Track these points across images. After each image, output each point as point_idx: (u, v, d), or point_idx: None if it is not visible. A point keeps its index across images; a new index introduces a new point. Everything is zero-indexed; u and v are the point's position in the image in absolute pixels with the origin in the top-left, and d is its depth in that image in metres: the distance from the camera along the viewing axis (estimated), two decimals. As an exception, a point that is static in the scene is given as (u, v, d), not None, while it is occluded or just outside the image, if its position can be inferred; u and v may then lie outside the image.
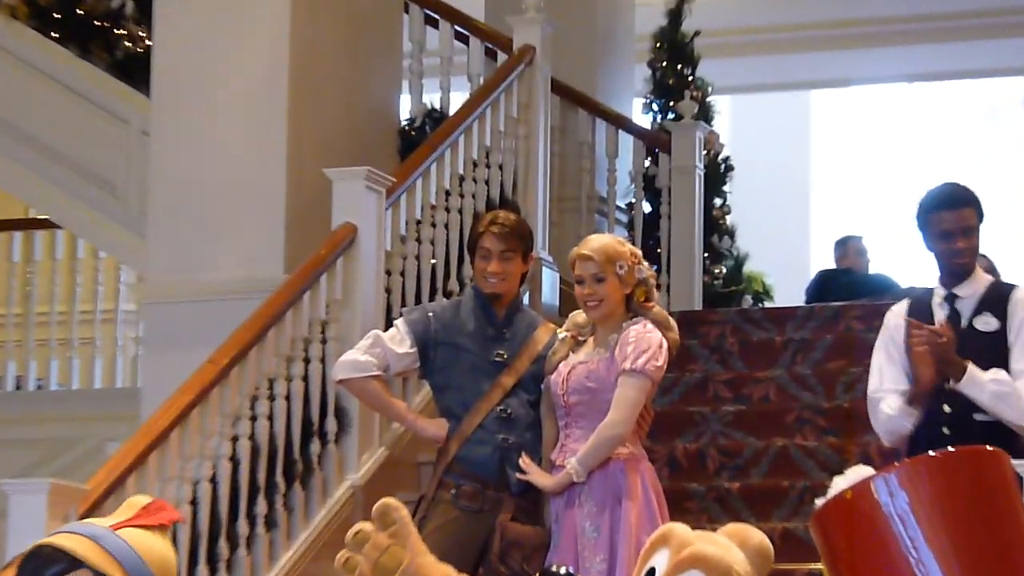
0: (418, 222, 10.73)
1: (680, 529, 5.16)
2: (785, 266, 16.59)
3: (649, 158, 13.70)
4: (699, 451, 10.47)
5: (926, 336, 6.81)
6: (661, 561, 4.99)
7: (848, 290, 14.56)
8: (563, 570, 6.05)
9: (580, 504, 7.80)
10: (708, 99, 14.33)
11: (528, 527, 8.00)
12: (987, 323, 6.98)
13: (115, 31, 11.83)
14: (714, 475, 10.28)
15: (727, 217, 14.24)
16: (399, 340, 8.33)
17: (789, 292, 15.66)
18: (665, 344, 7.87)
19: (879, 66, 18.74)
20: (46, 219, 13.70)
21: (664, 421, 10.40)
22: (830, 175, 20.28)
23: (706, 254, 13.71)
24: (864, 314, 11.64)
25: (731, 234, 14.31)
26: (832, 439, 10.45)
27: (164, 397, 9.21)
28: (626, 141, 13.57)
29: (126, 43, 11.73)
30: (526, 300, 10.25)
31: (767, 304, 14.53)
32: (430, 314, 8.48)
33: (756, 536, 5.07)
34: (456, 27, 12.64)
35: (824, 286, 15.21)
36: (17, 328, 14.19)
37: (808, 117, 20.11)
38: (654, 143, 13.78)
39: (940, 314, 7.07)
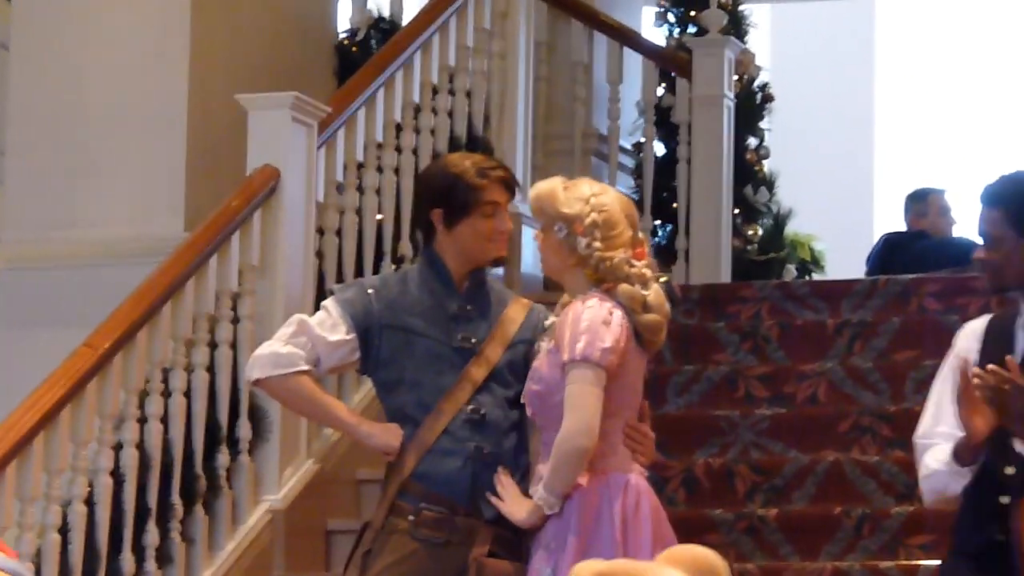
0: (360, 166, 10.76)
1: (620, 566, 5.43)
2: (841, 228, 16.66)
3: (663, 85, 13.72)
4: (726, 468, 10.49)
5: (989, 378, 6.79)
6: None
7: (924, 258, 14.61)
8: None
9: (539, 540, 7.81)
10: (741, 7, 14.35)
11: (509, 564, 7.86)
12: None
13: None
14: (745, 499, 10.31)
15: (764, 163, 14.24)
16: (331, 325, 8.01)
17: (846, 261, 15.73)
18: (614, 318, 7.68)
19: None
20: None
21: (680, 429, 10.46)
22: (901, 108, 20.26)
23: (737, 210, 13.70)
24: (944, 290, 11.68)
25: (770, 185, 14.31)
26: (899, 453, 10.41)
27: (24, 392, 9.22)
28: (633, 63, 13.60)
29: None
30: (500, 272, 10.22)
31: (816, 276, 14.56)
32: (370, 291, 8.15)
33: (707, 556, 4.58)
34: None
35: (892, 253, 15.27)
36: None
37: (872, 29, 20.17)
38: (670, 65, 13.81)
39: (1022, 338, 7.03)
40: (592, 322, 7.64)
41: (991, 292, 7.31)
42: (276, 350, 8.05)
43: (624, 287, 7.79)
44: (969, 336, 7.14)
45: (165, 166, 10.58)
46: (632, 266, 7.79)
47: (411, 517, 7.82)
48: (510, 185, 8.20)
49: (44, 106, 10.83)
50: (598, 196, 7.94)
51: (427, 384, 8.00)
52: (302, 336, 8.00)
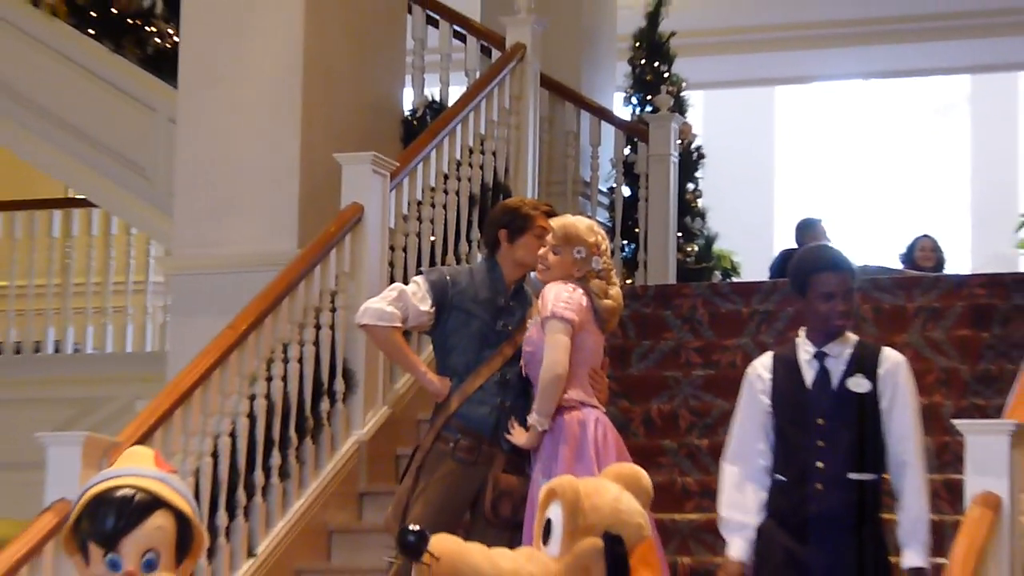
0: (419, 203, 10.73)
1: (565, 483, 5.36)
2: (751, 245, 16.58)
3: (629, 147, 13.67)
4: (672, 411, 10.45)
5: None
6: (556, 513, 5.23)
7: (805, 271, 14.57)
8: (413, 528, 6.07)
9: (538, 458, 7.85)
10: (682, 94, 14.35)
11: (516, 478, 7.97)
12: (859, 384, 6.68)
13: (146, 28, 11.85)
14: (685, 433, 10.27)
15: (699, 200, 14.27)
16: (420, 297, 8.19)
17: (754, 269, 15.67)
18: (581, 299, 7.81)
19: (837, 64, 18.75)
20: (83, 199, 13.72)
21: (640, 384, 10.42)
22: (792, 163, 20.31)
23: (680, 234, 13.69)
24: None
25: (702, 216, 14.34)
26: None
27: (188, 360, 9.24)
28: (608, 131, 13.55)
29: (156, 39, 11.75)
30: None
31: (734, 279, 14.52)
32: (448, 278, 8.31)
33: (629, 469, 5.49)
34: (454, 26, 12.65)
35: (787, 264, 15.20)
36: (56, 297, 14.21)
37: (772, 111, 20.13)
38: (633, 133, 13.75)
39: (809, 371, 6.80)
40: (560, 293, 7.78)
41: (842, 335, 6.94)
42: (383, 307, 8.23)
43: (595, 281, 7.92)
44: (759, 369, 7.01)
45: (284, 202, 10.52)
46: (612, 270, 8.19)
47: (451, 444, 8.07)
48: (552, 215, 8.26)
49: (200, 161, 10.77)
50: (596, 228, 8.11)
51: (473, 353, 8.23)
52: (401, 302, 8.21)
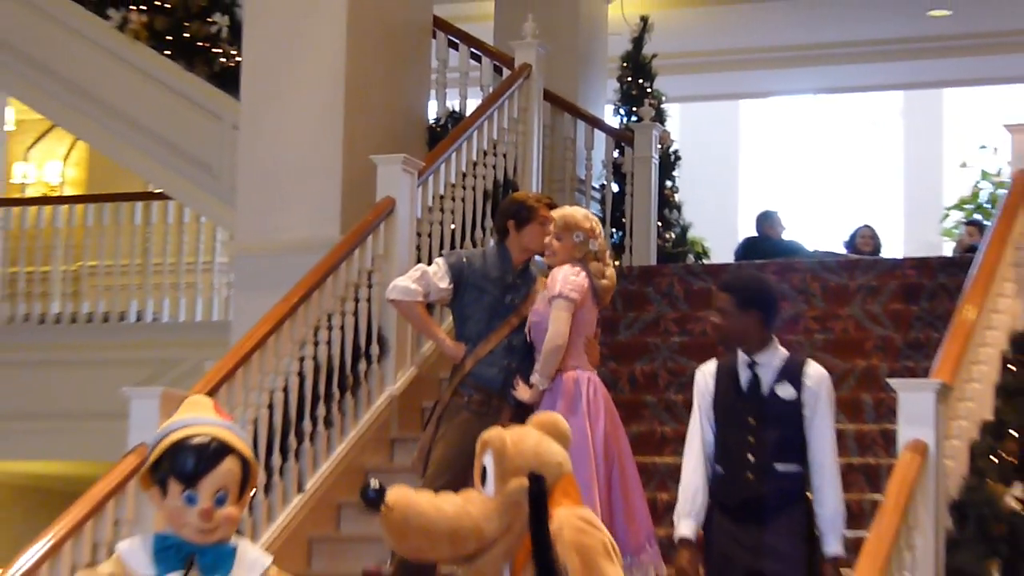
0: (441, 196, 10.69)
1: (494, 434, 5.52)
2: (718, 233, 16.52)
3: (617, 150, 13.58)
4: (653, 372, 10.40)
5: None
6: (488, 460, 5.40)
7: (766, 253, 14.52)
8: (374, 483, 6.13)
9: (539, 411, 7.69)
10: (662, 106, 14.23)
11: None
12: (786, 391, 6.64)
13: (213, 50, 11.81)
14: (664, 390, 10.21)
15: (675, 195, 14.16)
16: (440, 276, 8.27)
17: (722, 252, 15.63)
18: (584, 281, 7.85)
19: (792, 82, 18.66)
20: (161, 192, 13.70)
21: (626, 349, 10.38)
22: (753, 165, 20.29)
23: (659, 223, 13.62)
24: (777, 270, 11.50)
25: (678, 208, 14.25)
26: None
27: (248, 328, 9.24)
28: (600, 137, 13.48)
29: (222, 59, 11.71)
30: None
31: (705, 261, 14.47)
32: (464, 260, 8.41)
33: (549, 417, 5.63)
34: (471, 49, 12.61)
35: (748, 249, 15.18)
36: (138, 275, 14.21)
37: (737, 120, 20.10)
38: (621, 139, 13.67)
39: (744, 376, 6.75)
40: (568, 276, 7.78)
41: (720, 345, 7.05)
42: (408, 285, 8.33)
43: (594, 263, 7.92)
44: (705, 375, 6.94)
45: (328, 196, 10.50)
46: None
47: (466, 398, 8.15)
48: (552, 207, 8.28)
49: (259, 162, 10.75)
50: (591, 216, 8.20)
51: (484, 323, 8.26)
52: (423, 280, 8.28)
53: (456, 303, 8.38)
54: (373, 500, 5.41)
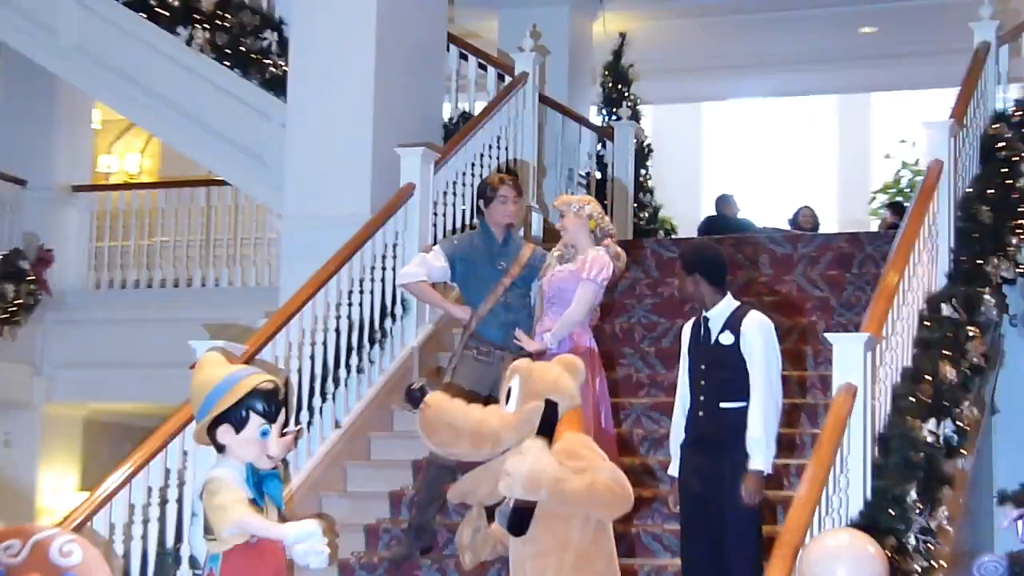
0: (454, 182, 10.67)
1: (523, 363, 5.92)
2: (684, 213, 16.49)
3: (600, 144, 13.55)
4: (630, 328, 10.36)
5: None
6: (515, 382, 5.65)
7: (724, 229, 14.48)
8: (417, 384, 6.68)
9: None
10: (637, 107, 14.24)
11: None
12: (727, 338, 6.68)
13: (264, 61, 11.78)
14: (639, 343, 10.17)
15: (648, 182, 14.15)
16: (436, 257, 8.49)
17: (686, 229, 15.60)
18: (611, 267, 7.85)
19: (746, 87, 18.64)
20: (222, 179, 13.66)
21: (608, 309, 10.31)
22: (713, 156, 20.22)
23: (635, 204, 13.62)
24: (733, 244, 11.45)
25: (651, 192, 14.23)
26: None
27: (293, 291, 9.20)
28: (586, 133, 13.43)
29: (271, 68, 11.68)
30: (521, 232, 10.29)
31: (673, 236, 14.45)
32: (455, 242, 8.70)
33: (569, 358, 5.93)
34: (479, 60, 12.56)
35: (709, 226, 15.13)
36: (201, 247, 14.23)
37: (700, 119, 20.03)
38: (603, 135, 13.63)
39: (701, 328, 6.82)
40: (603, 266, 7.78)
41: (684, 301, 7.32)
42: (410, 270, 8.62)
43: (613, 247, 7.99)
44: (685, 330, 7.00)
45: (360, 181, 10.51)
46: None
47: (473, 350, 8.27)
48: (516, 187, 8.54)
49: (303, 153, 10.76)
50: (578, 195, 8.60)
51: (482, 289, 8.40)
52: (423, 264, 8.46)
53: (456, 277, 8.58)
54: (416, 398, 5.90)
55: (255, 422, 5.64)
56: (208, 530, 5.65)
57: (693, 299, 6.94)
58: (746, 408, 6.61)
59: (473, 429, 5.57)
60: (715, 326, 6.73)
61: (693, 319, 6.97)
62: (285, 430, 5.87)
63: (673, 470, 6.88)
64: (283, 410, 5.86)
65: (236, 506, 5.53)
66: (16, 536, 2.62)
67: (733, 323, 6.70)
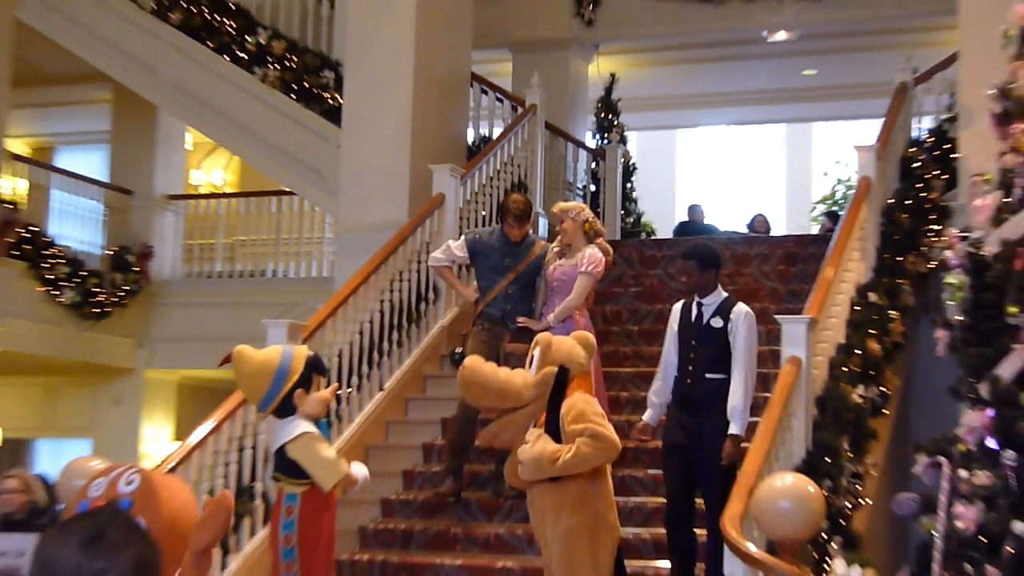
0: (476, 193, 10.65)
1: (545, 336, 5.98)
2: (662, 219, 16.44)
3: (594, 163, 13.53)
4: (618, 311, 10.35)
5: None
6: (537, 352, 5.77)
7: (693, 232, 14.47)
8: (458, 351, 6.83)
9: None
10: (624, 133, 14.19)
11: (519, 344, 7.74)
12: (717, 322, 6.72)
13: (323, 94, 11.77)
14: (625, 323, 10.16)
15: (633, 193, 14.10)
16: (459, 247, 8.52)
17: (664, 232, 15.55)
18: (603, 261, 7.93)
19: (711, 117, 18.58)
20: (289, 191, 13.68)
21: (600, 296, 10.28)
22: (685, 173, 20.14)
23: (622, 211, 13.59)
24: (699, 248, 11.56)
25: (635, 202, 14.18)
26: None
27: (345, 281, 9.22)
28: (582, 154, 13.40)
29: (329, 100, 11.67)
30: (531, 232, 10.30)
31: (653, 237, 14.43)
32: (476, 235, 8.57)
33: (583, 334, 6.00)
34: (496, 95, 12.53)
35: (681, 229, 15.15)
36: (273, 245, 14.23)
37: (675, 143, 19.96)
38: (596, 155, 13.61)
39: (694, 312, 6.83)
40: (598, 261, 7.83)
41: (688, 293, 6.99)
42: (436, 255, 8.68)
43: (604, 244, 8.09)
44: (675, 310, 6.98)
45: (399, 192, 10.45)
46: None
47: (480, 327, 8.29)
48: (520, 216, 8.37)
49: (354, 169, 10.71)
50: (573, 202, 8.87)
51: (491, 278, 8.38)
52: (447, 251, 8.51)
53: (473, 264, 8.60)
54: (456, 361, 6.33)
55: (319, 381, 5.86)
56: (288, 472, 5.77)
57: (701, 290, 6.86)
58: (726, 379, 6.63)
59: (500, 387, 5.64)
60: (708, 311, 6.75)
61: (683, 302, 6.98)
62: (339, 391, 6.21)
63: (647, 417, 6.94)
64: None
65: (341, 460, 5.86)
66: (102, 475, 2.61)
67: (724, 310, 6.73)
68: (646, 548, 7.26)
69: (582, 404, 5.60)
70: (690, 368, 6.72)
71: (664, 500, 6.97)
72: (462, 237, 8.71)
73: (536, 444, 5.49)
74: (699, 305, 6.82)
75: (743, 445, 6.54)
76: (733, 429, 6.50)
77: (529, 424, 5.69)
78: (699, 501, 6.79)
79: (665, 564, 6.95)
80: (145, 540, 1.89)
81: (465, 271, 9.32)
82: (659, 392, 6.90)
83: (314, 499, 5.80)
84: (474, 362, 5.73)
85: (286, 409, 5.77)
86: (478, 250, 8.45)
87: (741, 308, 6.79)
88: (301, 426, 5.77)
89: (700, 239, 10.36)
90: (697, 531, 6.73)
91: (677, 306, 7.01)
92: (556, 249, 8.20)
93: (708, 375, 6.68)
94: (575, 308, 7.88)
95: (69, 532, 1.89)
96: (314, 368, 5.86)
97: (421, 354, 9.53)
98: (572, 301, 7.87)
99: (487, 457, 8.04)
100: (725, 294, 6.90)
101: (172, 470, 7.12)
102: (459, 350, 7.65)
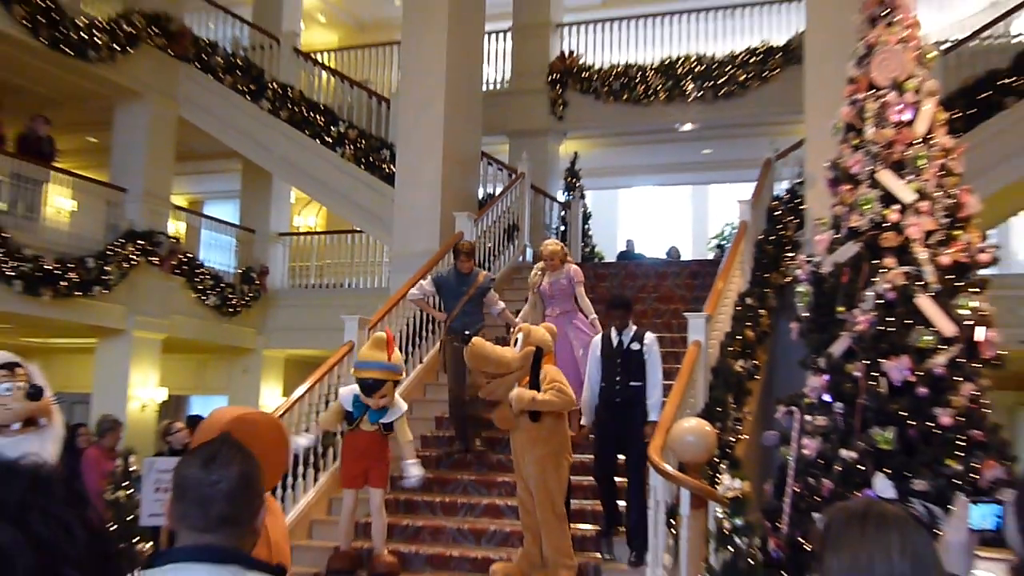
0: (484, 232, 10.60)
1: (525, 325, 5.93)
2: (608, 249, 16.35)
3: (563, 211, 13.41)
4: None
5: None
6: (520, 336, 5.72)
7: (630, 259, 14.44)
8: (468, 333, 6.64)
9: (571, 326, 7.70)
10: (583, 191, 14.09)
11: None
12: (635, 346, 6.39)
13: (382, 165, 11.78)
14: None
15: (589, 232, 13.91)
16: (428, 284, 8.02)
17: (610, 257, 15.48)
18: (580, 270, 7.91)
19: (641, 180, 18.56)
20: (360, 229, 13.64)
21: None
22: (624, 218, 19.98)
23: (582, 244, 13.37)
24: (634, 267, 11.49)
25: (590, 237, 14.00)
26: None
27: (396, 290, 9.13)
28: (555, 206, 13.34)
29: (386, 169, 11.67)
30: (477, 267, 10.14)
31: (603, 261, 14.38)
32: (438, 275, 8.19)
33: (549, 326, 6.00)
34: (498, 166, 12.49)
35: (622, 256, 15.07)
36: (347, 265, 14.19)
37: (618, 199, 19.81)
38: (565, 206, 13.47)
39: (615, 340, 6.41)
40: (578, 271, 7.73)
41: (619, 329, 6.59)
42: (414, 291, 8.04)
43: (573, 262, 8.03)
44: (596, 342, 6.56)
45: (433, 230, 10.38)
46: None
47: (448, 338, 7.83)
48: (467, 255, 7.92)
49: (403, 215, 10.67)
50: (555, 241, 8.22)
51: (451, 303, 7.88)
52: (421, 289, 7.94)
53: (440, 295, 8.03)
54: (467, 339, 6.17)
55: (365, 399, 6.28)
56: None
57: (625, 325, 6.47)
58: (643, 385, 6.40)
59: (496, 358, 5.66)
60: (627, 339, 6.46)
61: (601, 335, 6.58)
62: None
63: (585, 420, 6.53)
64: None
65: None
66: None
67: (639, 337, 6.48)
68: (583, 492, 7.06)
69: (553, 373, 5.80)
70: (618, 379, 6.36)
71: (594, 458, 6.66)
72: (429, 277, 8.21)
73: (519, 392, 5.66)
74: (620, 336, 6.45)
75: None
76: (652, 417, 6.27)
77: (514, 384, 5.72)
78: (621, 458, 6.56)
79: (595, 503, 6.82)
80: (249, 459, 1.86)
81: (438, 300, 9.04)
82: (588, 401, 6.47)
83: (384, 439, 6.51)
84: (479, 341, 5.77)
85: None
86: (441, 284, 7.98)
87: (651, 335, 6.50)
88: (344, 388, 6.32)
89: (624, 267, 10.29)
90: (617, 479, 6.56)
91: (597, 339, 6.58)
92: (540, 268, 7.99)
93: (632, 383, 6.40)
94: (590, 305, 7.75)
95: (195, 455, 1.87)
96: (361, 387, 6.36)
97: (438, 348, 9.36)
98: (587, 304, 7.75)
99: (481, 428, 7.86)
100: (635, 327, 6.57)
101: (281, 415, 7.12)
102: (468, 333, 7.37)
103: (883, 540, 1.50)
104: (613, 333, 6.46)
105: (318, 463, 7.52)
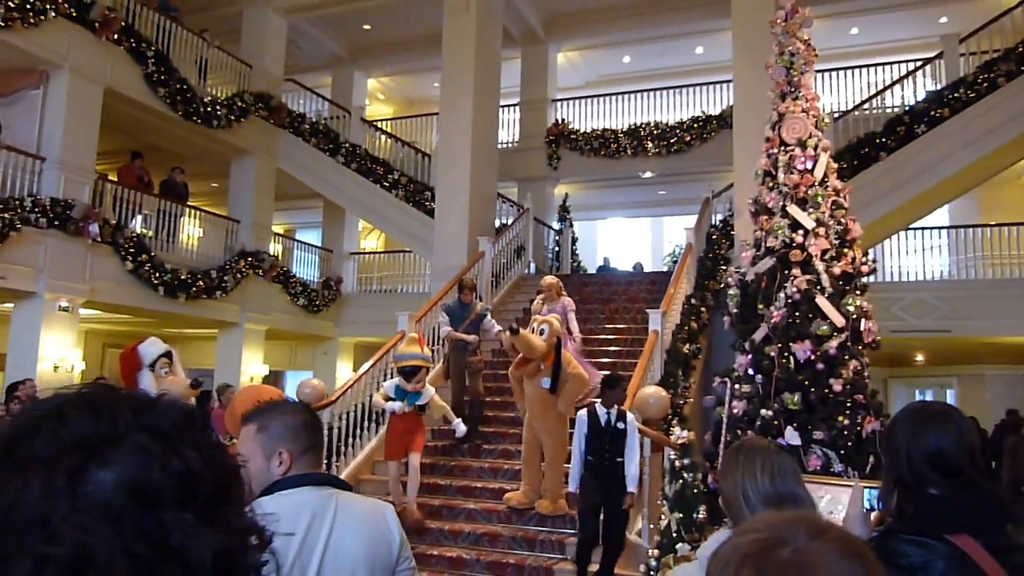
0: (499, 252, 10.52)
1: (549, 318, 5.73)
2: (590, 264, 16.23)
3: (558, 236, 13.31)
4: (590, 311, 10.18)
5: None
6: (545, 327, 5.55)
7: (607, 271, 14.30)
8: (514, 326, 5.91)
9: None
10: (573, 222, 13.98)
11: (473, 358, 7.07)
12: (620, 425, 5.21)
13: (426, 203, 11.76)
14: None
15: (576, 252, 13.75)
16: (442, 313, 7.46)
17: (591, 270, 15.35)
18: (572, 303, 7.57)
19: (615, 213, 18.47)
20: (410, 250, 13.60)
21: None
22: (604, 241, 19.78)
23: (572, 260, 13.22)
24: (609, 277, 11.39)
25: (577, 255, 13.84)
26: (606, 314, 10.02)
27: (433, 295, 9.06)
28: (551, 233, 13.15)
29: (429, 206, 11.63)
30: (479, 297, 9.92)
31: (587, 273, 14.27)
32: (446, 305, 7.55)
33: (560, 323, 5.75)
34: (509, 203, 12.40)
35: (600, 270, 14.84)
36: (400, 276, 14.10)
37: (597, 228, 19.61)
38: (559, 233, 13.31)
39: (602, 417, 5.20)
40: (571, 302, 7.34)
41: (614, 405, 5.38)
42: (443, 320, 7.37)
43: (565, 295, 7.56)
44: (582, 416, 5.28)
45: (461, 250, 10.24)
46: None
47: (453, 349, 7.26)
48: (469, 289, 7.36)
49: (440, 239, 10.36)
50: (554, 278, 7.72)
51: (457, 325, 7.26)
52: (443, 318, 7.37)
53: (451, 321, 7.34)
54: (514, 330, 5.62)
55: (403, 382, 5.98)
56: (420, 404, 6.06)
57: (615, 400, 5.30)
58: (622, 461, 5.19)
59: (533, 344, 5.60)
60: (613, 417, 5.32)
61: (585, 410, 5.33)
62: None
63: (572, 487, 5.29)
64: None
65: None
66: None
67: (622, 417, 5.34)
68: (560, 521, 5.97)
69: (569, 357, 5.87)
70: (605, 455, 5.22)
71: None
72: (443, 309, 7.55)
73: (538, 341, 5.56)
74: (607, 413, 5.27)
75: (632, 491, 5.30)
76: (630, 488, 5.18)
77: (541, 363, 5.72)
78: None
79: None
80: (308, 409, 1.83)
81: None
82: (575, 472, 5.30)
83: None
84: (524, 332, 5.76)
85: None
86: (449, 312, 7.41)
87: (631, 415, 5.38)
88: (388, 382, 6.25)
89: (602, 279, 10.08)
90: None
91: (583, 412, 5.31)
92: (542, 298, 7.49)
93: (618, 459, 5.20)
94: (577, 327, 7.43)
95: (274, 406, 1.82)
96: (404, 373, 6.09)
97: (443, 360, 8.95)
98: (573, 325, 7.22)
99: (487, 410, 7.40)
100: (618, 407, 5.31)
101: (351, 387, 7.11)
102: (516, 325, 6.16)
103: (751, 463, 1.69)
104: (600, 410, 5.28)
105: (363, 434, 7.47)
